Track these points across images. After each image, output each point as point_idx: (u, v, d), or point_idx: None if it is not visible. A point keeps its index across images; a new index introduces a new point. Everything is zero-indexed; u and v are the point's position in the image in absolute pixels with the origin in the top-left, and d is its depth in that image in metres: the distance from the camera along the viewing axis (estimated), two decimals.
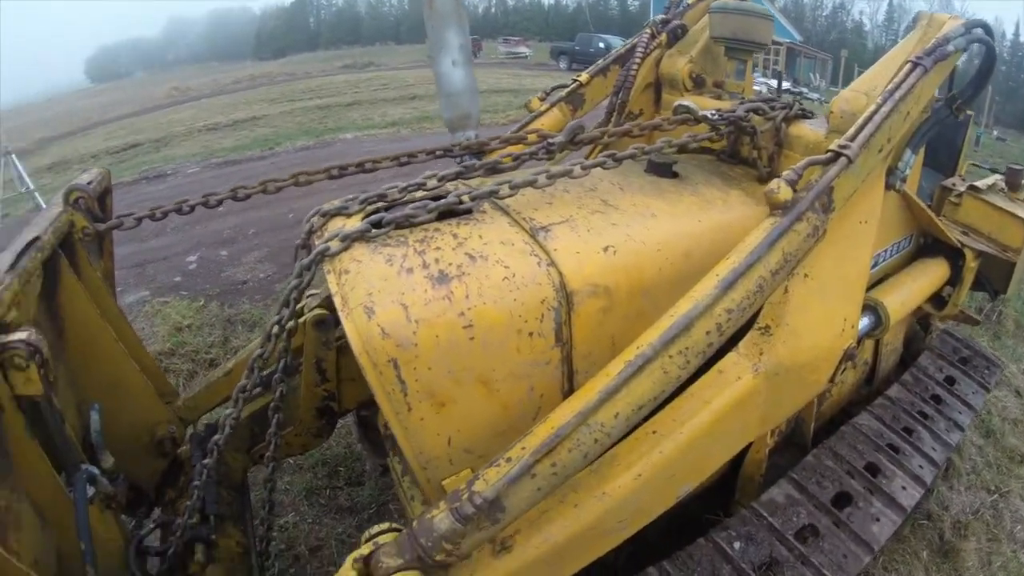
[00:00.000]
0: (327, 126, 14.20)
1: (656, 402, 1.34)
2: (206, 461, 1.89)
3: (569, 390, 1.58)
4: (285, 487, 3.14)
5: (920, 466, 2.55)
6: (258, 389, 1.97)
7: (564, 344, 1.49)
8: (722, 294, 1.40)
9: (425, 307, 1.37)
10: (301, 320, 2.07)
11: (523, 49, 39.66)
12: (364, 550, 1.37)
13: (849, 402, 3.06)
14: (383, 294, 1.38)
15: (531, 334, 1.43)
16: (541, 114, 2.99)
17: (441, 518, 1.25)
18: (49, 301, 1.84)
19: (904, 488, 2.42)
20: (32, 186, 10.35)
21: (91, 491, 1.75)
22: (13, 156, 10.49)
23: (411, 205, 1.62)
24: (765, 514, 2.17)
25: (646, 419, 1.48)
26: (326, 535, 2.91)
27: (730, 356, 1.67)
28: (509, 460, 1.26)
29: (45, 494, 1.61)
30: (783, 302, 1.70)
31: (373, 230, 1.56)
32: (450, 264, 1.45)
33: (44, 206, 9.34)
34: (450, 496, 1.29)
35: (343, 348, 2.23)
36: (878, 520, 2.28)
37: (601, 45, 30.37)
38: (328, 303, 2.14)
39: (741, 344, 1.70)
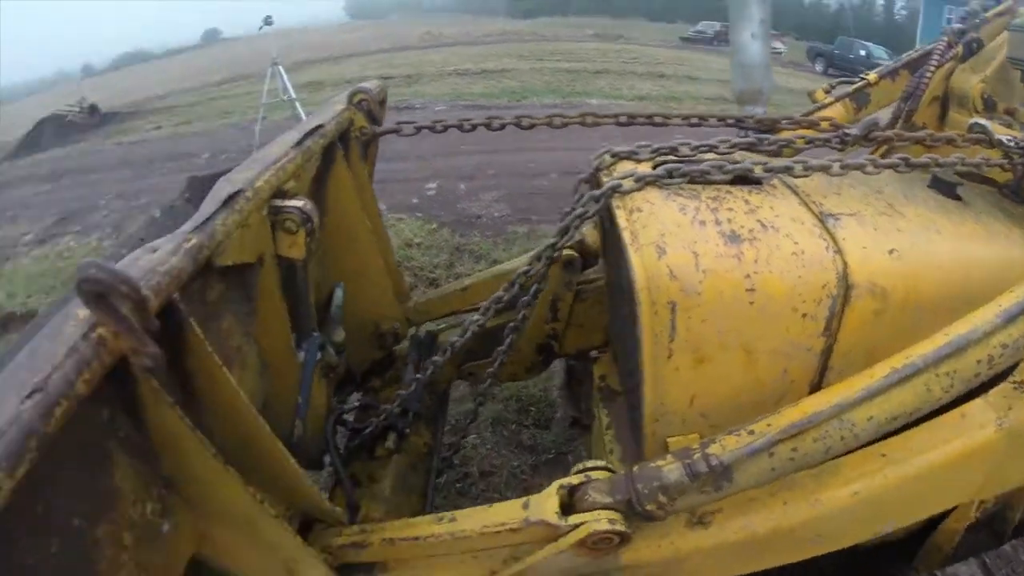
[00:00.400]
0: (574, 89, 14.45)
1: (908, 419, 1.32)
2: (436, 359, 2.03)
3: (817, 385, 1.58)
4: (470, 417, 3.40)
5: None
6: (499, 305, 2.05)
7: (830, 336, 1.49)
8: (1003, 326, 1.34)
9: (715, 260, 1.40)
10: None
11: (778, 45, 37.51)
12: (573, 479, 1.45)
13: None
14: (675, 238, 1.43)
15: (804, 316, 1.44)
16: (825, 107, 2.95)
17: (671, 469, 1.32)
18: (319, 184, 1.98)
19: None
20: (293, 96, 11.53)
21: (317, 357, 1.92)
22: (280, 67, 11.59)
23: (705, 163, 1.65)
24: None
25: (878, 440, 1.46)
26: (500, 464, 3.09)
27: (977, 402, 1.59)
28: (752, 433, 1.31)
29: (277, 347, 1.76)
30: None
31: (667, 178, 1.61)
32: (742, 227, 1.48)
33: (303, 116, 10.44)
34: (679, 452, 1.35)
35: (581, 293, 2.36)
36: None
37: (862, 53, 28.43)
38: (579, 246, 2.27)
39: (991, 393, 1.61)
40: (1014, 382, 1.62)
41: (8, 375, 0.99)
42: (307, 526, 1.67)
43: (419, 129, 2.26)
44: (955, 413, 1.57)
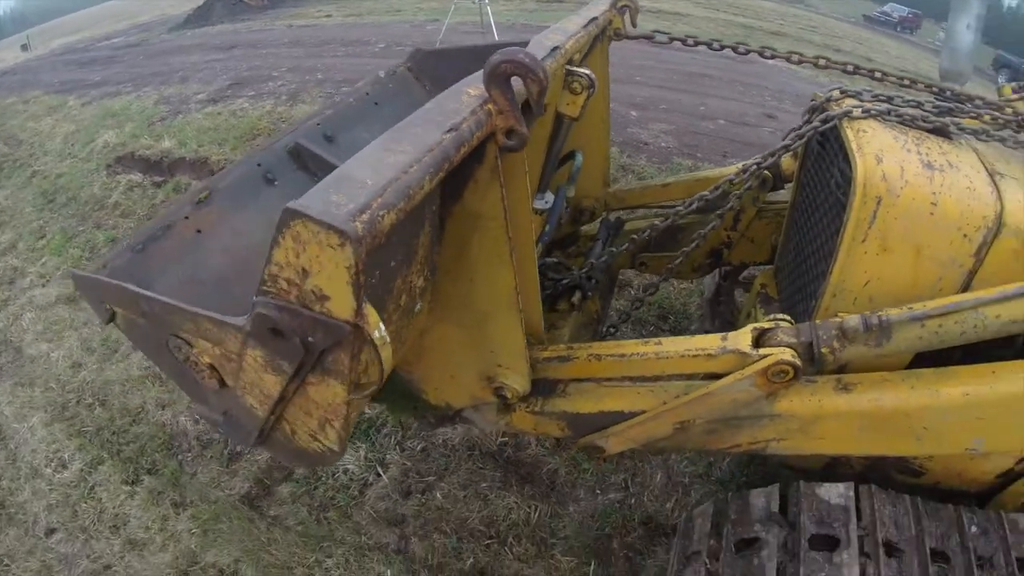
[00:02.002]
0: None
1: None
2: (635, 236, 2.35)
3: None
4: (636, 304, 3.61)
5: None
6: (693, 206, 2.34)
7: (978, 260, 1.81)
8: None
9: (915, 176, 1.77)
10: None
11: None
12: (764, 324, 1.86)
13: None
14: (889, 153, 1.81)
15: (964, 236, 1.77)
16: (1011, 102, 3.10)
17: (851, 319, 1.73)
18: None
19: None
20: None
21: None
22: None
23: (916, 111, 2.01)
24: (1006, 525, 2.14)
25: (992, 360, 1.80)
26: None
27: None
28: (911, 309, 1.71)
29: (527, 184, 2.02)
30: None
31: (886, 115, 1.97)
32: (935, 160, 1.83)
33: (491, 22, 10.50)
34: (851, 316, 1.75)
35: (762, 211, 2.72)
36: None
37: None
38: (774, 169, 2.62)
39: None
40: None
41: (424, 115, 1.31)
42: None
43: (671, 40, 2.54)
44: None
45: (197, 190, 2.07)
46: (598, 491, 3.23)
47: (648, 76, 8.66)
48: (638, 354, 1.93)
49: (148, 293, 1.53)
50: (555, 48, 1.85)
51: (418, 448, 3.49)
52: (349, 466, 3.42)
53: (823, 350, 1.76)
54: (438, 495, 3.25)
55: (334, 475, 3.40)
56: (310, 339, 1.20)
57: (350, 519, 3.23)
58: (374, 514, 3.23)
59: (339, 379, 1.29)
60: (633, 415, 1.99)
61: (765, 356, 1.76)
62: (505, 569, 2.96)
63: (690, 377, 1.93)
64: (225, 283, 1.93)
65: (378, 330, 1.21)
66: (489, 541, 3.06)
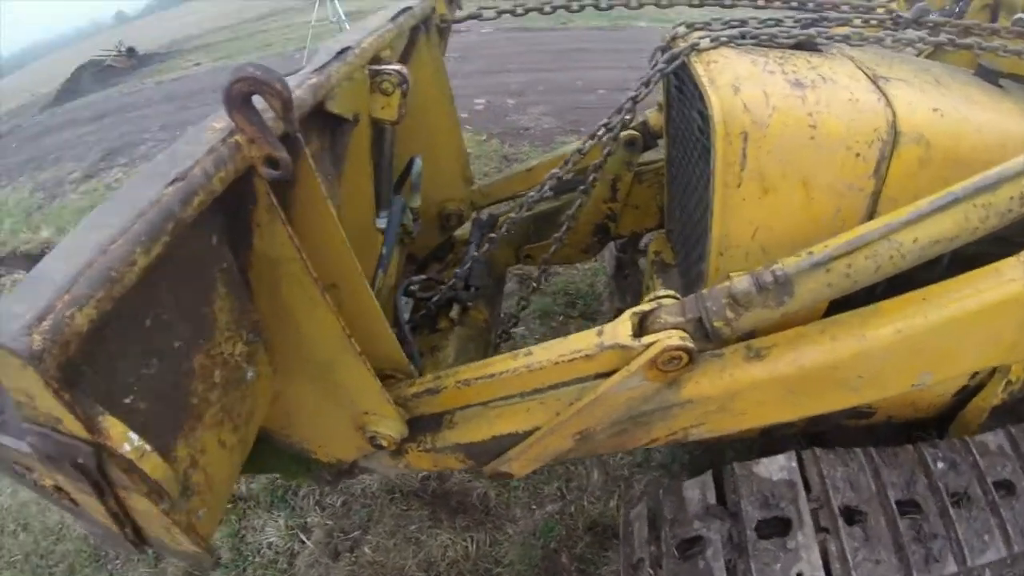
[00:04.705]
0: (622, 13, 14.08)
1: (948, 245, 1.46)
2: (492, 235, 2.15)
3: None
4: (524, 304, 3.54)
5: None
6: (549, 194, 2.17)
7: (879, 179, 1.62)
8: None
9: (782, 99, 1.56)
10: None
11: None
12: (645, 306, 1.60)
13: None
14: (748, 81, 1.59)
15: (857, 155, 1.58)
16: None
17: (740, 280, 1.48)
18: (403, 63, 2.02)
19: None
20: (345, 19, 11.40)
21: (400, 218, 2.01)
22: None
23: (774, 29, 1.82)
24: (975, 451, 2.13)
25: (918, 285, 1.61)
26: None
27: (1010, 260, 1.70)
28: (811, 254, 1.47)
29: (359, 205, 1.87)
30: None
31: (740, 39, 1.78)
32: (805, 77, 1.63)
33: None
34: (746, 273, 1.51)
35: (640, 174, 2.51)
36: None
37: None
38: (642, 127, 2.40)
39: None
40: None
41: (151, 168, 1.09)
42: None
43: (500, 14, 2.39)
44: (990, 268, 1.69)
45: None
46: (534, 506, 3.02)
47: (521, 62, 8.60)
48: (508, 371, 1.68)
49: None
50: (344, 50, 1.61)
51: (339, 503, 3.25)
52: (272, 539, 3.17)
53: (716, 324, 1.51)
54: (367, 550, 3.01)
55: (259, 552, 3.15)
56: (79, 460, 1.01)
57: None
58: None
59: (138, 492, 1.09)
60: (529, 434, 1.75)
61: (649, 345, 1.51)
62: None
63: (582, 380, 1.68)
64: None
65: (128, 442, 1.00)
66: None
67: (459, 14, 2.43)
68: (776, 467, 1.86)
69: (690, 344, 1.50)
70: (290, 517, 3.24)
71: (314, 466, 1.94)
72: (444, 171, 2.54)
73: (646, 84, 1.89)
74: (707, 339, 1.55)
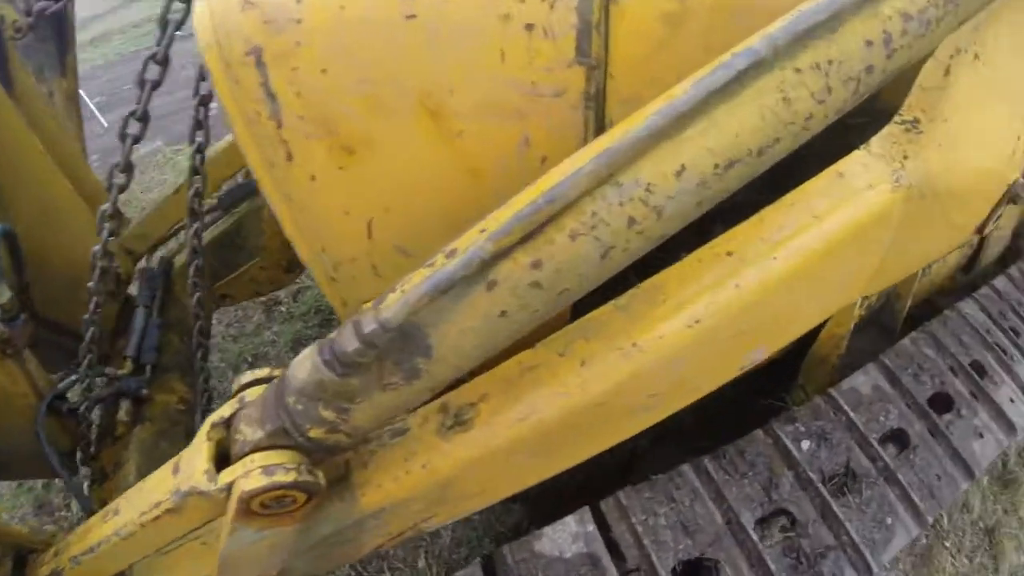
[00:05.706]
0: None
1: (755, 167, 0.72)
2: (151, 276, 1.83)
3: None
4: (272, 337, 2.99)
5: None
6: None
7: (593, 67, 0.84)
8: None
9: None
10: None
11: None
12: (225, 410, 0.90)
13: (940, 290, 2.45)
14: None
15: (530, 29, 0.79)
16: None
17: (343, 336, 0.72)
18: None
19: (1012, 401, 1.90)
20: None
21: None
22: None
23: None
24: (846, 407, 1.69)
25: (720, 233, 0.91)
26: None
27: (856, 154, 1.06)
28: (452, 254, 0.69)
29: None
30: (942, 87, 1.13)
31: None
32: None
33: None
34: (348, 323, 0.76)
35: None
36: (982, 437, 1.79)
37: None
38: None
39: (875, 140, 1.09)
40: (903, 120, 1.14)
41: None
42: (22, 561, 1.31)
43: None
44: (830, 173, 1.02)
45: None
46: None
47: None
48: (104, 540, 1.07)
49: None
50: None
51: None
52: None
53: (313, 435, 0.78)
54: None
55: None
56: None
57: None
58: None
59: None
60: None
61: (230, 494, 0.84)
62: None
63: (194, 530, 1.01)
64: None
65: None
66: None
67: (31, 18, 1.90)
68: (566, 535, 1.29)
69: (291, 477, 0.78)
70: None
71: None
72: (72, 223, 1.98)
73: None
74: (325, 451, 0.81)
